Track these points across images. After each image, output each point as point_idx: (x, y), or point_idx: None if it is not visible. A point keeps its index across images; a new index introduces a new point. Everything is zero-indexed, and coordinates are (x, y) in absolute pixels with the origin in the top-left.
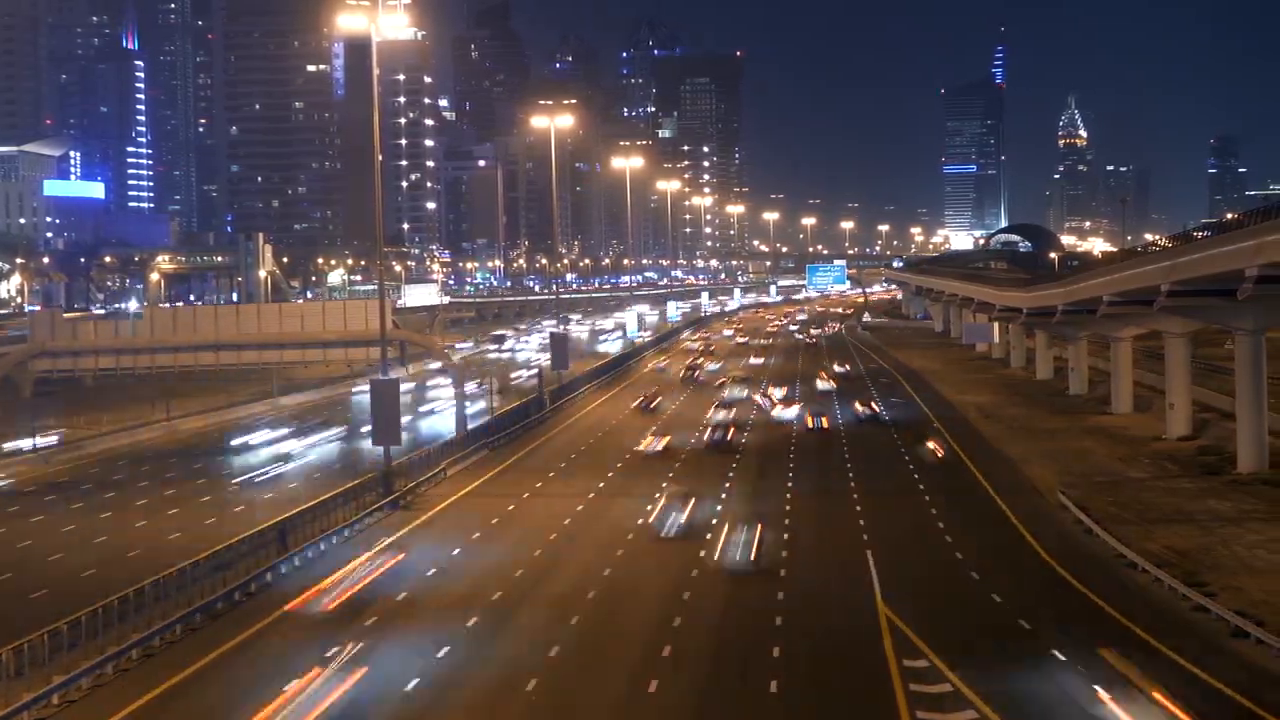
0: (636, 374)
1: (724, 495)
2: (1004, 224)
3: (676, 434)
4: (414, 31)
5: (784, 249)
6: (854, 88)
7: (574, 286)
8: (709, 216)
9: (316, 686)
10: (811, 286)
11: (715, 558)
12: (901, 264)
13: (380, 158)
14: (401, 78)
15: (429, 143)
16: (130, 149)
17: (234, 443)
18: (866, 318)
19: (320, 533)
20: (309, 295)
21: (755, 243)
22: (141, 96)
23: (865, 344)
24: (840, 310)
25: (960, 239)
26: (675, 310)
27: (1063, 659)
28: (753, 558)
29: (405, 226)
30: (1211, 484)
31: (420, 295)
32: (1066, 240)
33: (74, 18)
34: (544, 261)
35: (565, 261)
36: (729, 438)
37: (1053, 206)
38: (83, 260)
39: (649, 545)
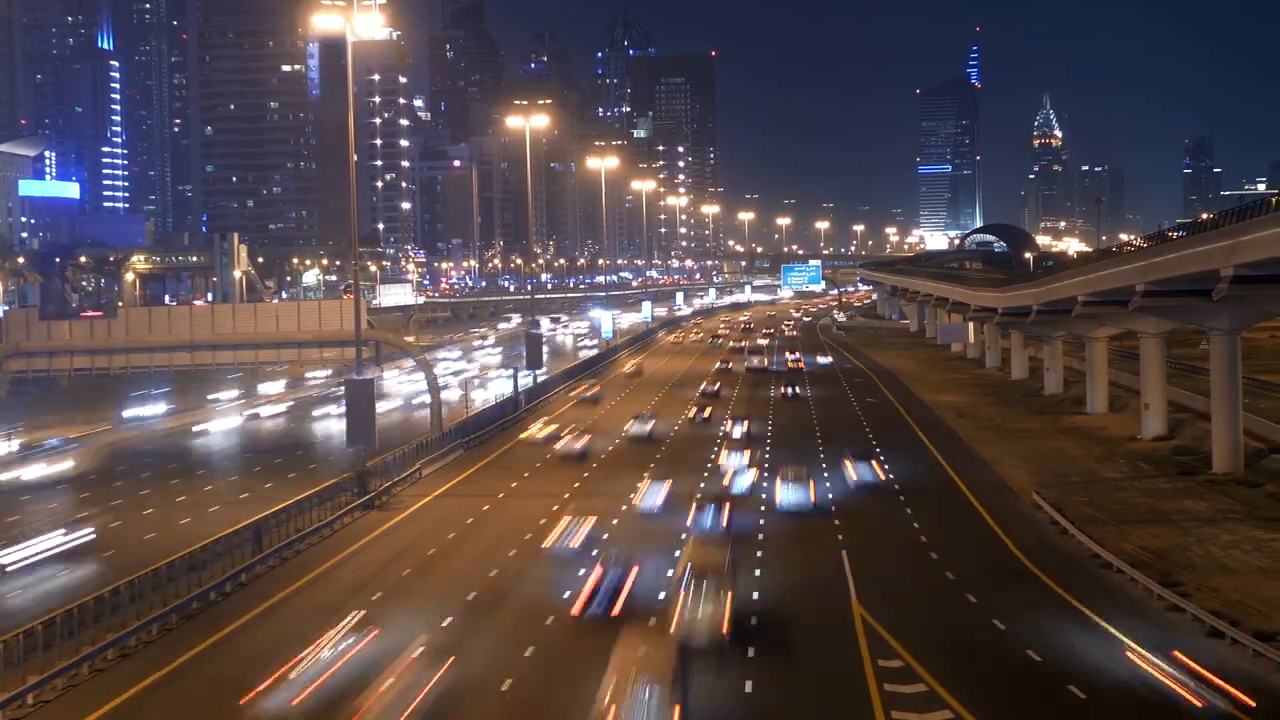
0: None
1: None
2: (979, 224)
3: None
4: (389, 31)
5: (759, 249)
6: (829, 88)
7: (549, 286)
8: (684, 216)
9: None
10: (787, 286)
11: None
12: (861, 264)
13: (355, 158)
14: (376, 78)
15: (404, 143)
16: (105, 149)
17: None
18: (841, 317)
19: (295, 533)
20: (284, 295)
21: (730, 242)
22: (116, 96)
23: (840, 343)
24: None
25: (935, 239)
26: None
27: (1037, 659)
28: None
29: (380, 226)
30: (1187, 484)
31: (395, 295)
32: (1041, 240)
33: (48, 17)
34: (519, 261)
35: (540, 261)
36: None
37: (1028, 206)
38: (58, 260)
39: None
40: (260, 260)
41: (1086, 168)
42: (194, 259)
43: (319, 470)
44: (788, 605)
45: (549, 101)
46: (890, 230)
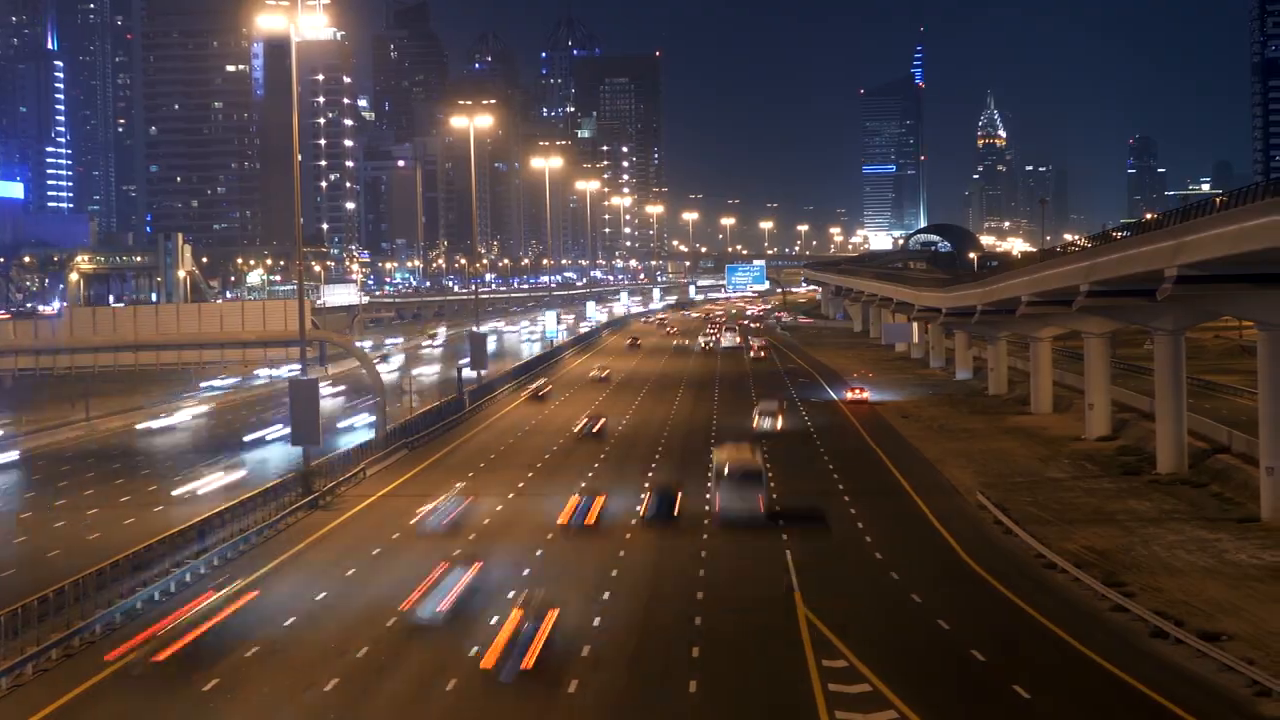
0: None
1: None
2: (923, 224)
3: None
4: (333, 32)
5: (703, 249)
6: (773, 88)
7: (493, 287)
8: (628, 217)
9: None
10: (731, 286)
11: (636, 555)
12: (806, 264)
13: (299, 158)
14: (320, 78)
15: (348, 143)
16: (49, 149)
17: None
18: (785, 318)
19: (240, 533)
20: (228, 295)
21: (675, 243)
22: (61, 96)
23: (784, 344)
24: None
25: (879, 239)
26: None
27: (981, 659)
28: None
29: (324, 227)
30: (1131, 484)
31: (340, 295)
32: (985, 240)
33: None
34: (463, 261)
35: (484, 261)
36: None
37: (972, 206)
38: (2, 260)
39: (570, 542)
40: (205, 260)
41: (1031, 168)
42: (138, 259)
43: None
44: (735, 597)
45: (493, 101)
46: (835, 230)
